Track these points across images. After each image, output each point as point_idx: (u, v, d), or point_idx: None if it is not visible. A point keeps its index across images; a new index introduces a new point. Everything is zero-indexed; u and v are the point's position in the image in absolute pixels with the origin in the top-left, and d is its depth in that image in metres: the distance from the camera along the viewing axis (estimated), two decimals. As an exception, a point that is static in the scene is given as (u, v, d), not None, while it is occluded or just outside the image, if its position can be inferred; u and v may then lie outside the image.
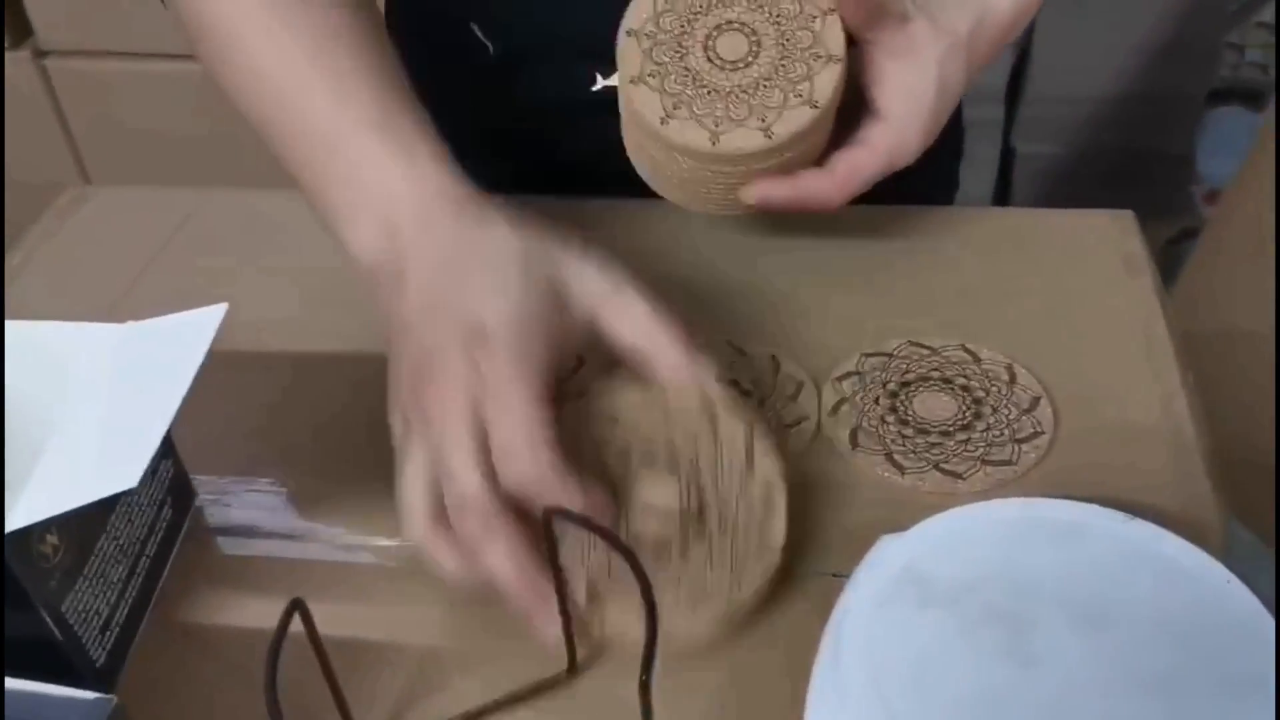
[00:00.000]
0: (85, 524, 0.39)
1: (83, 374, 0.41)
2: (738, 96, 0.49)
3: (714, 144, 0.49)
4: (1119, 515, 0.39)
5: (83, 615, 0.39)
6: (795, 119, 0.49)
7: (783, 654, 0.41)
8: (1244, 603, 0.36)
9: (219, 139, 1.18)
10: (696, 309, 0.56)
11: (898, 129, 0.50)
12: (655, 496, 0.42)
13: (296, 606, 0.35)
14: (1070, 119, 1.63)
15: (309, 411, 0.53)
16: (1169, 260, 1.55)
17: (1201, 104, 1.64)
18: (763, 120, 0.49)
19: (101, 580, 0.40)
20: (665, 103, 0.50)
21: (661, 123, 0.49)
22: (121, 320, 0.55)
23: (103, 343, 0.42)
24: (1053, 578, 0.38)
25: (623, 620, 0.40)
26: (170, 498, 0.45)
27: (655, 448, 0.43)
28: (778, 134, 0.49)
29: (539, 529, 0.38)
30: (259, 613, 0.44)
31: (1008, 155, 1.67)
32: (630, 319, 0.43)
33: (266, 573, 0.46)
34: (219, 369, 0.54)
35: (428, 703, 0.41)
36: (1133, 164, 1.64)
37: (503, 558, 0.38)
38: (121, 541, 0.41)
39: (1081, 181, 1.65)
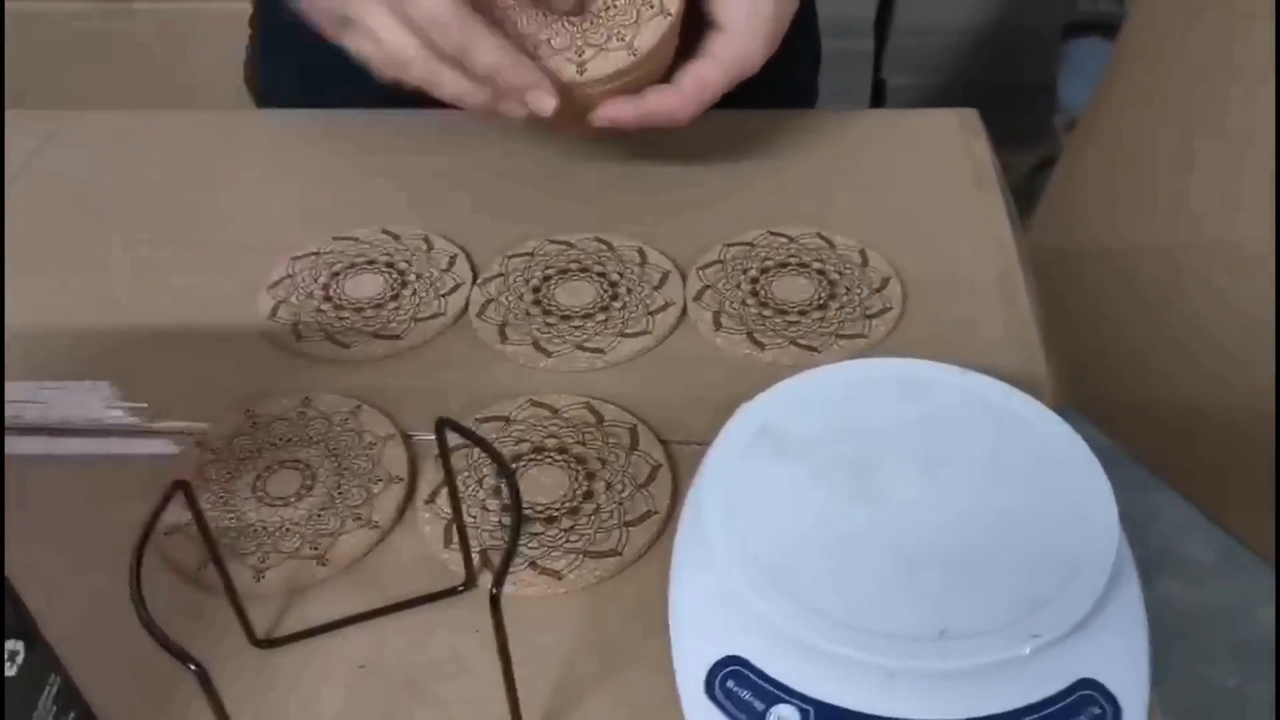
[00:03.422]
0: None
1: None
2: (592, 22, 0.50)
3: (582, 74, 0.50)
4: (954, 369, 0.42)
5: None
6: (653, 30, 0.50)
7: (661, 517, 0.43)
8: (1066, 439, 0.40)
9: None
10: (566, 205, 0.58)
11: (741, 39, 0.51)
12: (546, 478, 0.44)
13: (179, 487, 0.36)
14: (936, 51, 1.68)
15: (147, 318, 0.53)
16: (1032, 187, 1.62)
17: (1060, 35, 1.71)
18: (621, 39, 0.50)
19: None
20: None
21: None
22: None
23: None
24: (896, 426, 0.40)
25: None
26: None
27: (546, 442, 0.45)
28: (640, 48, 0.49)
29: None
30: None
31: (878, 86, 1.71)
32: None
33: (142, 470, 0.46)
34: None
35: (319, 585, 0.42)
36: (997, 94, 1.69)
37: (498, 48, 0.48)
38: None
39: (949, 112, 1.70)
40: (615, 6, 0.50)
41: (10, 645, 0.32)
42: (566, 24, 0.50)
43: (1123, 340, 1.32)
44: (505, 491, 0.44)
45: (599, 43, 0.50)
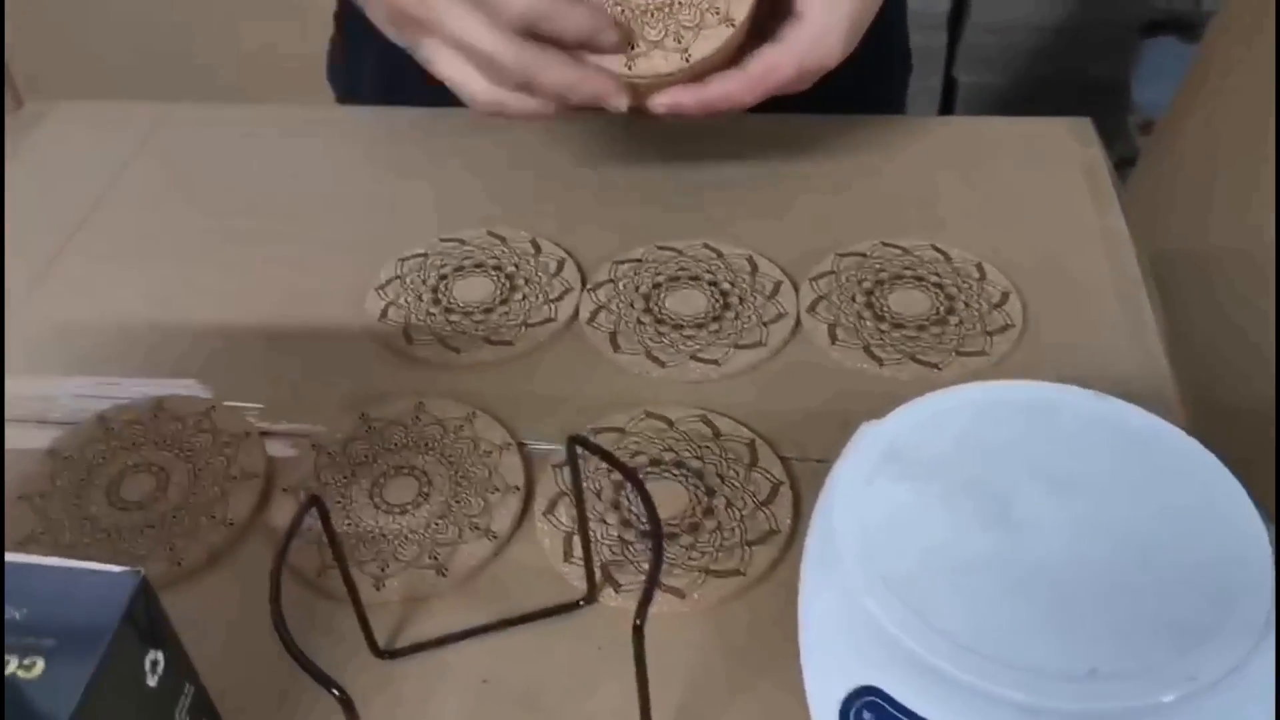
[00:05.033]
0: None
1: None
2: (653, 15, 0.48)
3: (630, 68, 0.48)
4: (1088, 393, 0.41)
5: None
6: (712, 39, 0.48)
7: (784, 536, 0.42)
8: (1209, 466, 0.39)
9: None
10: (670, 210, 0.57)
11: (817, 29, 0.49)
12: (665, 493, 0.43)
13: (313, 503, 0.35)
14: (1009, 49, 1.65)
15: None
16: (1105, 188, 1.59)
17: (1135, 34, 1.68)
18: (678, 41, 0.48)
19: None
20: None
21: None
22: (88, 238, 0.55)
23: None
24: (1028, 450, 0.39)
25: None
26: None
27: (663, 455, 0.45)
28: (695, 55, 0.48)
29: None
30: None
31: (950, 85, 1.69)
32: None
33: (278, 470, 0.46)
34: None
35: (438, 596, 0.41)
36: (1070, 93, 1.67)
37: (561, 67, 0.47)
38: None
39: (1021, 111, 1.67)
40: (680, 3, 0.48)
41: (151, 655, 0.32)
42: (628, 9, 0.48)
43: (1199, 343, 1.29)
44: (628, 504, 0.43)
45: (656, 39, 0.48)
